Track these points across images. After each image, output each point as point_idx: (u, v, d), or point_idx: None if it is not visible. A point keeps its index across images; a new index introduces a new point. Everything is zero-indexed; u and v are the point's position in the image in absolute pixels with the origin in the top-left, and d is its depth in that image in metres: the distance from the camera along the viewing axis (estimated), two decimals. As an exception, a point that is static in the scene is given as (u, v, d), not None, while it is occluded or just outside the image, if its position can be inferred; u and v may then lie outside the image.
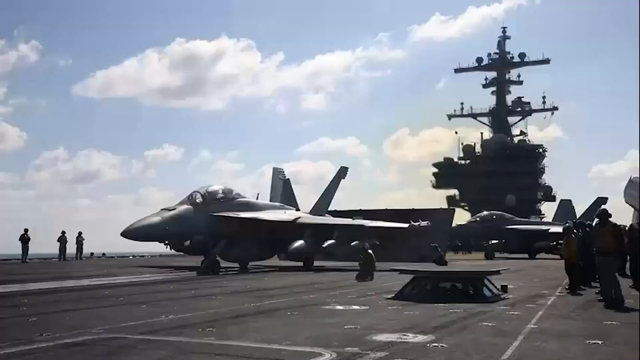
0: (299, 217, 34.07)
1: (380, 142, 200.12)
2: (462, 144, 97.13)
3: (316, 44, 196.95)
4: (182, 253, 34.79)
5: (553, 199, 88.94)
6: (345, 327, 9.80)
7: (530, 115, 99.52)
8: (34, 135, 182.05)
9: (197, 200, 28.73)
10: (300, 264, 31.56)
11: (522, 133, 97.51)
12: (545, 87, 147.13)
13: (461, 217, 69.81)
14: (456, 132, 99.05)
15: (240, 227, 29.60)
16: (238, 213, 29.94)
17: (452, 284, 14.66)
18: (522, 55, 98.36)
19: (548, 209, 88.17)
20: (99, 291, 17.88)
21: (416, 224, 32.22)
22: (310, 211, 37.74)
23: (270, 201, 38.09)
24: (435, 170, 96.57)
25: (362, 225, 33.25)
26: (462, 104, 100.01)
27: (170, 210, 27.75)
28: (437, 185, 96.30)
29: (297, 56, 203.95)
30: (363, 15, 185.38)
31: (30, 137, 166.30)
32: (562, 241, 20.78)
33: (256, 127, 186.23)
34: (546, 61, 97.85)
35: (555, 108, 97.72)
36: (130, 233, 26.46)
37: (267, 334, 9.06)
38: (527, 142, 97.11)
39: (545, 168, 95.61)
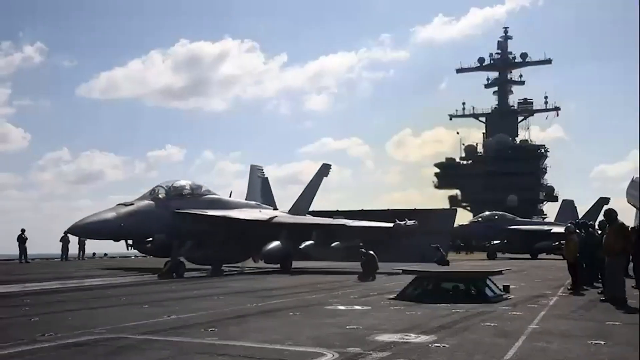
0: (275, 217, 32.09)
1: (383, 142, 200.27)
2: (463, 144, 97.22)
3: (319, 45, 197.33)
4: (145, 255, 33.15)
5: (555, 199, 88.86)
6: (347, 327, 9.80)
7: (533, 115, 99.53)
8: (37, 136, 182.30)
9: (160, 196, 26.25)
10: (277, 266, 29.59)
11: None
12: (547, 88, 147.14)
13: (463, 217, 69.85)
14: (457, 133, 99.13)
15: (209, 226, 27.45)
16: (206, 211, 27.67)
17: (454, 284, 14.64)
18: (523, 56, 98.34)
19: (550, 209, 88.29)
20: (101, 291, 17.92)
21: (402, 222, 29.55)
22: (289, 210, 35.94)
23: (246, 200, 35.90)
24: (437, 170, 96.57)
25: (343, 225, 31.19)
26: (463, 104, 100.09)
27: (127, 205, 24.95)
28: (439, 186, 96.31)
29: (300, 57, 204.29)
30: (365, 17, 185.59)
31: (34, 138, 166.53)
32: (564, 241, 20.75)
33: (259, 128, 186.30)
34: (548, 61, 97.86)
35: (558, 108, 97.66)
36: (79, 229, 23.91)
37: (269, 334, 9.06)
38: (529, 142, 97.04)
39: (547, 168, 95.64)
